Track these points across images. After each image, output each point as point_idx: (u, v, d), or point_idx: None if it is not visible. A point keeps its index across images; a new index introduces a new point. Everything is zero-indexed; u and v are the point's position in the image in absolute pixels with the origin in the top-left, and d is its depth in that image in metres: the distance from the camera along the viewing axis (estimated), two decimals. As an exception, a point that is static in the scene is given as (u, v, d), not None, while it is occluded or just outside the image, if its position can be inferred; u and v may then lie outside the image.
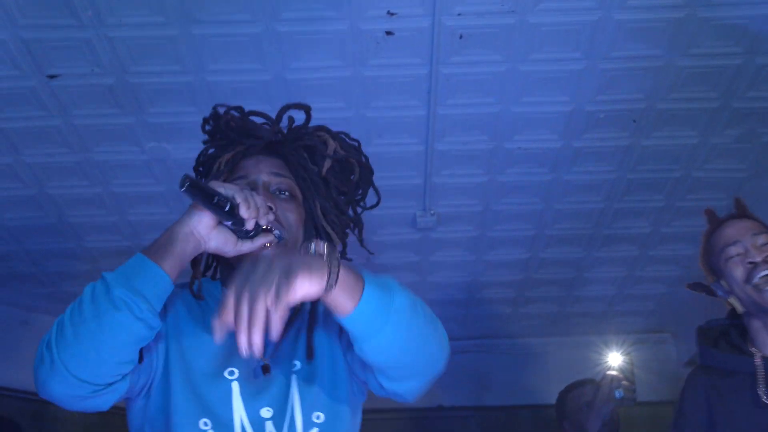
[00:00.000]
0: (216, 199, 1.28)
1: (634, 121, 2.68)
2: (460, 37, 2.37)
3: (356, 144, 1.63)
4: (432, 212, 3.22)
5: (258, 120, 1.59)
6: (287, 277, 1.11)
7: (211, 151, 1.60)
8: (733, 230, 1.96)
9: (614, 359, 3.27)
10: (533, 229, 3.38)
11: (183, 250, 1.31)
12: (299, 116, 1.62)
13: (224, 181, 1.46)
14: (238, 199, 1.31)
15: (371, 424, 4.69)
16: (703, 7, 2.25)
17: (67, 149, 2.76)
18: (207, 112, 1.59)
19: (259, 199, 1.36)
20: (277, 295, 1.10)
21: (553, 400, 4.71)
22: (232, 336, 1.38)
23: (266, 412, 1.40)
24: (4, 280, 3.71)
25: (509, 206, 3.20)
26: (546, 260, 3.66)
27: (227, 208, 1.30)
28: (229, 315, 1.11)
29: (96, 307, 1.22)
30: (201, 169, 1.63)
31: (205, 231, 1.32)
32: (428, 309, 1.32)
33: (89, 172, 2.89)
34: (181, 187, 1.25)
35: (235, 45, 2.40)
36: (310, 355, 1.44)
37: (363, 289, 1.19)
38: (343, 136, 1.61)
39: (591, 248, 3.55)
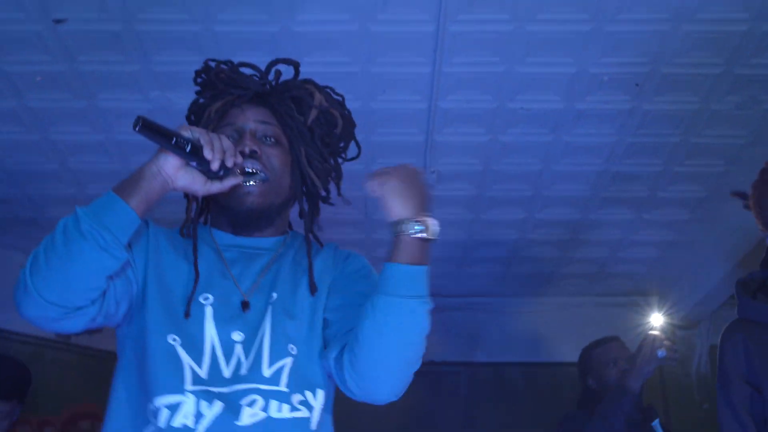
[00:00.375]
0: (175, 139, 1.35)
1: (637, 84, 2.69)
2: (469, -6, 2.37)
3: (341, 98, 1.71)
4: (432, 170, 3.24)
5: (248, 72, 1.65)
6: (392, 193, 1.42)
7: (201, 101, 1.67)
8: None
9: (656, 320, 3.31)
10: (531, 189, 3.41)
11: (150, 188, 1.39)
12: (288, 73, 1.72)
13: (213, 129, 1.53)
14: (202, 141, 1.39)
15: None
16: (713, -28, 2.25)
17: (71, 95, 2.75)
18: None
19: (225, 142, 1.44)
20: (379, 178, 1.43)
21: (542, 358, 4.85)
22: (210, 265, 1.52)
23: (237, 336, 1.45)
24: (6, 224, 3.72)
25: (509, 166, 3.22)
26: (542, 221, 3.70)
27: (188, 149, 1.37)
28: None
29: (66, 237, 1.33)
30: (192, 118, 1.69)
31: (172, 171, 1.40)
32: (423, 346, 1.45)
33: (93, 119, 2.88)
34: (134, 127, 1.31)
35: (244, -5, 2.40)
36: (313, 290, 1.52)
37: (421, 268, 1.39)
38: (328, 90, 1.69)
39: (587, 210, 3.59)
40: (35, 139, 3.02)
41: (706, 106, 2.81)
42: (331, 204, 1.69)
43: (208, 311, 1.48)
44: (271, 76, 1.69)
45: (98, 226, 1.33)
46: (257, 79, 1.65)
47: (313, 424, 1.43)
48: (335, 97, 1.71)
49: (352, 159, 1.75)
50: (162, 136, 1.35)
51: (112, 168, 3.18)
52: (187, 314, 1.46)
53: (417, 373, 4.39)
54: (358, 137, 2.84)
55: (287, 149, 1.61)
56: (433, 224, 1.42)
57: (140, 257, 1.51)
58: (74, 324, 1.42)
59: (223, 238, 1.60)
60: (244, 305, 1.49)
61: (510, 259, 4.22)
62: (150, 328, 1.46)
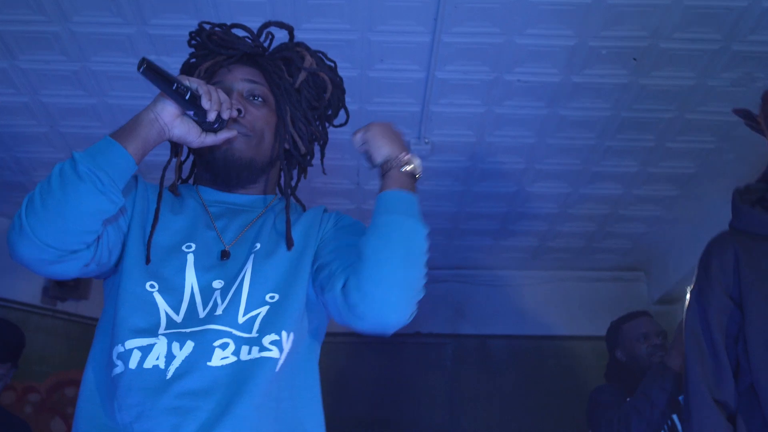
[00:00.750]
0: (175, 85, 1.38)
1: (635, 59, 2.72)
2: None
3: (333, 64, 1.73)
4: (426, 141, 3.26)
5: (242, 34, 1.68)
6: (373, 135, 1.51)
7: (192, 61, 1.69)
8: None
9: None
10: (523, 162, 3.45)
11: (147, 135, 1.42)
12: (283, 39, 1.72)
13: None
14: (200, 91, 1.42)
15: (350, 347, 4.80)
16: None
17: (65, 57, 2.73)
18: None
19: (222, 95, 1.47)
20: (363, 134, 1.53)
21: (527, 331, 4.97)
22: (195, 216, 1.57)
23: (217, 284, 1.49)
24: (-8, 187, 3.69)
25: (503, 139, 3.25)
26: (532, 194, 3.75)
27: (188, 97, 1.40)
28: None
29: (63, 179, 1.35)
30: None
31: (169, 118, 1.44)
32: (423, 268, 1.46)
33: (85, 82, 2.87)
34: (139, 68, 1.34)
35: (244, -42, 2.38)
36: (290, 245, 1.54)
37: (413, 195, 1.46)
38: (320, 54, 1.71)
39: (578, 185, 3.64)
40: (26, 101, 2.99)
41: (702, 83, 2.84)
42: (311, 165, 1.72)
43: (190, 258, 1.51)
44: (265, 42, 1.72)
45: (96, 168, 1.35)
46: (249, 41, 1.68)
47: (279, 365, 1.44)
48: (327, 62, 1.73)
49: (341, 125, 1.78)
50: (164, 80, 1.38)
51: (103, 132, 3.14)
52: (147, 260, 1.49)
53: (403, 344, 4.48)
54: (354, 106, 2.86)
55: (273, 109, 1.64)
56: (417, 161, 1.50)
57: (128, 207, 1.54)
58: (68, 268, 1.44)
59: (209, 194, 1.63)
60: (224, 254, 1.53)
61: (499, 232, 4.28)
62: (126, 275, 1.49)
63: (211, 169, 1.62)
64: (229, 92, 1.58)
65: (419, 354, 4.91)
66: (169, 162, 1.62)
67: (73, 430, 1.49)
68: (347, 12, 2.57)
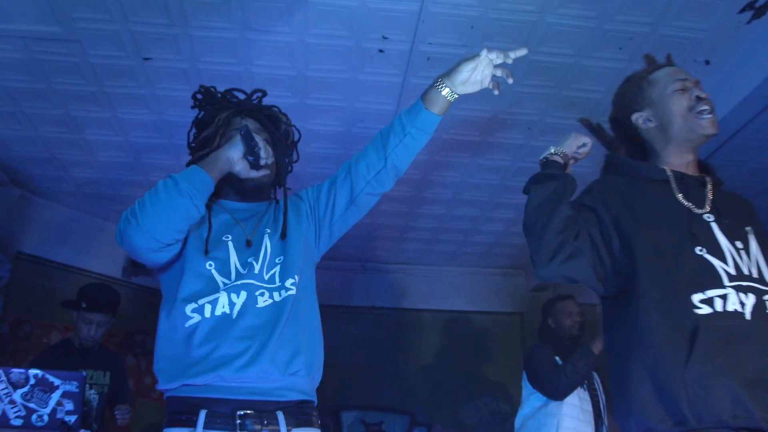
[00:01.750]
0: (254, 144, 1.88)
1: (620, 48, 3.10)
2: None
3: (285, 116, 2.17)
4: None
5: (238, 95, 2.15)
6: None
7: (209, 107, 2.10)
8: (680, 71, 2.02)
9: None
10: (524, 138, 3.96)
11: (222, 167, 1.86)
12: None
13: (222, 132, 2.02)
14: (261, 145, 1.90)
15: (327, 317, 5.75)
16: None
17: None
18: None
19: (269, 148, 1.94)
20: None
21: (443, 306, 6.03)
22: (226, 221, 1.97)
23: (250, 259, 1.91)
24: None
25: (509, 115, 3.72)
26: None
27: (256, 149, 1.90)
28: None
29: (168, 192, 1.73)
30: (194, 130, 2.13)
31: (236, 159, 1.88)
32: None
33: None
34: (240, 132, 1.88)
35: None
36: (283, 235, 1.97)
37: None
38: (285, 113, 2.17)
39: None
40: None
41: (579, 61, 3.25)
42: (289, 173, 2.18)
43: (230, 245, 1.90)
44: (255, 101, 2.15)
45: (191, 187, 1.73)
46: (245, 98, 2.11)
47: (296, 297, 1.89)
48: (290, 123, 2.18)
49: (298, 141, 2.21)
50: (252, 142, 1.88)
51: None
52: (206, 251, 1.87)
53: (363, 314, 6.07)
54: (347, 74, 3.36)
55: (272, 148, 2.02)
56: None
57: None
58: (163, 256, 1.82)
59: (232, 205, 2.04)
60: (248, 242, 1.93)
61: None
62: (190, 260, 1.86)
63: (239, 187, 2.03)
64: (252, 140, 1.95)
65: (373, 321, 6.14)
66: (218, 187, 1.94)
67: (155, 366, 1.86)
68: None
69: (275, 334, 1.78)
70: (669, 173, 1.90)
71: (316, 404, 1.92)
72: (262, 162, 1.91)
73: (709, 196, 1.87)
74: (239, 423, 1.70)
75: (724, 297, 1.68)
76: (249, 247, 1.91)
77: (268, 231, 1.97)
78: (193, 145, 2.06)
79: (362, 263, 6.26)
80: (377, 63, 3.36)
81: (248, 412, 1.71)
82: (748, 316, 1.66)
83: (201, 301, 1.79)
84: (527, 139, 3.90)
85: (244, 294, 1.81)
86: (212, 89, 2.09)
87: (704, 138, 1.92)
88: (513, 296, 6.27)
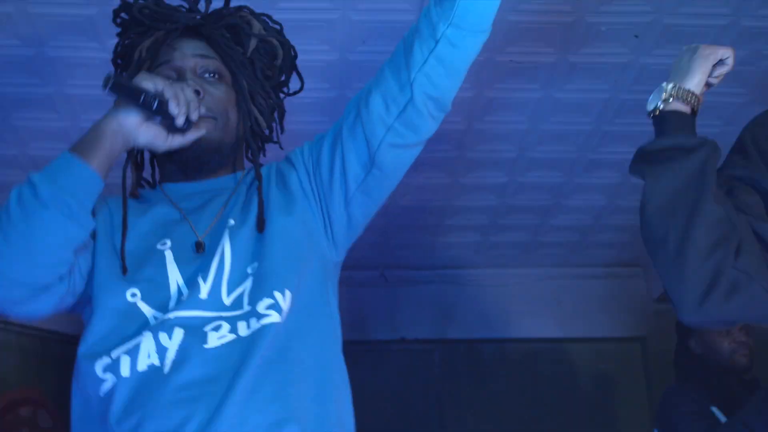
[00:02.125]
0: (143, 98, 1.40)
1: (636, 36, 2.76)
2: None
3: (279, 27, 1.76)
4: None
5: (175, 4, 1.69)
6: None
7: (127, 41, 1.69)
8: None
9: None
10: (515, 150, 3.50)
11: (111, 147, 1.44)
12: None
13: (147, 69, 1.59)
14: (167, 95, 1.43)
15: None
16: None
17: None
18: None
19: (189, 93, 1.49)
20: None
21: (518, 334, 5.09)
22: (164, 216, 1.58)
23: (199, 274, 1.52)
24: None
25: (493, 125, 3.29)
26: (524, 185, 3.83)
27: (155, 106, 1.42)
28: None
29: (23, 208, 1.34)
30: (120, 61, 1.72)
31: (133, 127, 1.45)
32: None
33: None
34: (104, 86, 1.38)
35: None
36: (260, 227, 1.56)
37: None
38: (265, 17, 1.74)
39: (572, 173, 3.72)
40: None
41: None
42: (276, 142, 1.76)
43: (168, 255, 1.54)
44: (201, 6, 1.71)
45: (59, 191, 1.35)
46: (185, 10, 1.68)
47: (283, 327, 1.46)
48: (273, 25, 1.75)
49: (296, 93, 1.81)
50: (131, 94, 1.41)
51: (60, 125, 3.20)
52: (124, 270, 1.50)
53: (388, 352, 4.50)
54: (338, 56, 2.89)
55: (230, 84, 1.66)
56: None
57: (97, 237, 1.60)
58: (41, 306, 1.45)
59: (178, 189, 1.66)
60: (198, 246, 1.56)
61: (487, 227, 4.38)
62: (102, 292, 1.50)
63: (176, 160, 1.63)
64: (180, 73, 1.60)
65: (405, 361, 5.03)
66: (126, 164, 1.61)
67: None
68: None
69: (238, 389, 1.38)
70: None
71: None
72: (180, 121, 1.46)
73: None
74: None
75: None
76: (200, 253, 1.55)
77: (232, 223, 1.58)
78: None
79: (382, 271, 5.15)
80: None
81: None
82: None
83: (115, 353, 1.45)
84: (635, 55, 3.08)
85: (179, 332, 1.44)
86: (138, 2, 1.68)
87: None
88: (628, 311, 5.14)
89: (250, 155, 1.74)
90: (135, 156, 1.69)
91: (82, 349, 1.49)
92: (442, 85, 1.58)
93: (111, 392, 1.42)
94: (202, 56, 1.64)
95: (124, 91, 1.42)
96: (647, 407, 4.44)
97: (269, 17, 1.76)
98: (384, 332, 5.21)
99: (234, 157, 1.72)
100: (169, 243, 1.57)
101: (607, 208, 4.17)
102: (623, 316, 5.14)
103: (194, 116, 1.50)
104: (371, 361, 5.03)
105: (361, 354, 4.94)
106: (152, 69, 1.61)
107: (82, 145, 1.44)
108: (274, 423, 1.41)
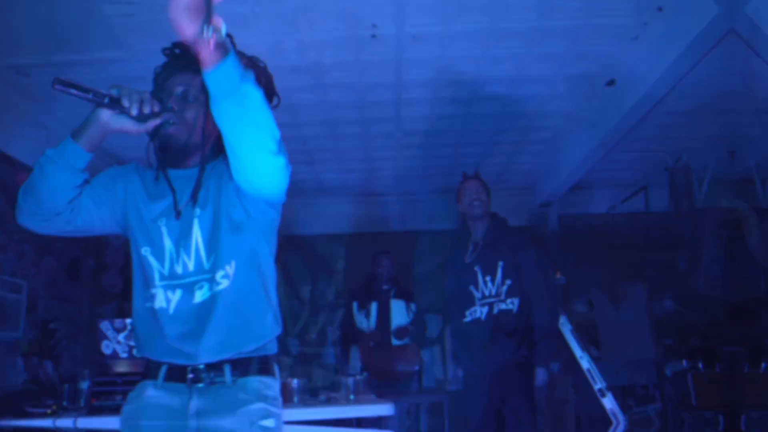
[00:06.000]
0: (91, 94, 1.75)
1: None
2: None
3: (263, 65, 2.07)
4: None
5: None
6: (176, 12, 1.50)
7: (158, 71, 2.05)
8: (469, 182, 4.09)
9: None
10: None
11: (92, 131, 1.86)
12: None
13: (157, 86, 1.99)
14: (120, 94, 1.79)
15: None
16: None
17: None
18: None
19: (145, 95, 1.83)
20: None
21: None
22: (164, 195, 2.00)
23: (181, 241, 1.98)
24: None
25: None
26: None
27: (107, 101, 1.77)
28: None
29: (41, 167, 1.86)
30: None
31: (106, 117, 1.83)
32: (275, 128, 1.74)
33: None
34: (52, 86, 1.69)
35: None
36: (195, 201, 1.98)
37: (226, 57, 1.61)
38: (255, 58, 2.07)
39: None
40: None
41: None
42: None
43: (163, 230, 1.98)
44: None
45: (60, 156, 1.84)
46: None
47: (231, 285, 1.93)
48: (259, 63, 2.06)
49: (275, 107, 1.97)
50: (80, 91, 1.72)
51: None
52: (142, 226, 1.99)
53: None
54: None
55: (203, 104, 1.93)
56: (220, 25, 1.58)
57: (119, 191, 2.02)
58: (61, 225, 1.94)
59: (171, 172, 2.04)
60: (177, 214, 1.99)
61: None
62: (135, 243, 2.00)
63: (165, 154, 2.00)
64: (170, 94, 1.95)
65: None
66: (148, 147, 1.98)
67: (135, 338, 2.06)
68: None
69: (211, 322, 1.94)
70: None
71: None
72: (134, 111, 1.81)
73: None
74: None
75: None
76: (178, 218, 1.99)
77: (198, 212, 2.01)
78: None
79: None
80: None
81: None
82: None
83: (149, 291, 2.02)
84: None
85: (179, 292, 1.96)
86: (172, 46, 2.04)
87: None
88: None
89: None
90: (154, 141, 1.97)
91: (134, 271, 2.02)
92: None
93: (151, 309, 1.95)
94: (187, 86, 1.96)
95: (70, 89, 1.70)
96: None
97: (258, 58, 2.06)
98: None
99: (201, 154, 1.99)
100: (164, 221, 1.98)
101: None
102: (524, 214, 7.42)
103: (147, 109, 1.81)
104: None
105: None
106: (160, 87, 1.98)
107: (77, 130, 1.86)
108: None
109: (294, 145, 6.04)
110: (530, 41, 4.35)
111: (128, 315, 2.61)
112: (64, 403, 3.99)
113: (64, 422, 3.51)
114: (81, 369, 4.22)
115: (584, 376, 4.91)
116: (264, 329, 1.99)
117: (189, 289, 1.91)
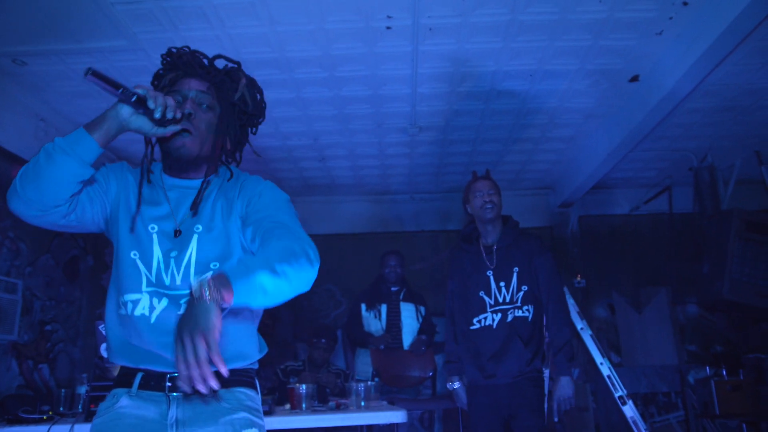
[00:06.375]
0: (121, 89, 1.73)
1: None
2: None
3: (259, 89, 2.11)
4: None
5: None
6: (204, 332, 1.52)
7: (161, 72, 2.05)
8: (480, 183, 3.89)
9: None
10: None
11: (109, 126, 1.81)
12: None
13: (166, 90, 1.97)
14: (147, 95, 1.78)
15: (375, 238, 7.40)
16: None
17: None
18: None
19: (169, 100, 1.82)
20: (209, 346, 1.51)
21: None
22: (159, 201, 1.97)
23: (173, 254, 1.92)
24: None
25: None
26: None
27: (134, 99, 1.75)
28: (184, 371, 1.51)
29: (48, 155, 1.78)
30: (156, 82, 2.06)
31: (126, 115, 1.80)
32: (298, 260, 1.72)
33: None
34: (85, 75, 1.67)
35: None
36: (194, 213, 1.94)
37: (233, 289, 1.60)
38: (253, 78, 2.10)
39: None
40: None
41: None
42: (237, 162, 2.09)
43: (155, 237, 1.91)
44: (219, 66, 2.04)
45: (70, 147, 1.77)
46: (206, 63, 2.01)
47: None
48: (257, 86, 2.10)
49: (260, 123, 2.13)
50: (110, 86, 1.70)
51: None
52: (132, 229, 1.91)
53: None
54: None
55: (217, 115, 1.96)
56: (203, 292, 1.59)
57: (112, 189, 1.96)
58: (51, 218, 1.85)
59: (168, 180, 2.00)
60: (177, 233, 1.92)
61: None
62: (120, 245, 1.92)
63: (167, 159, 1.97)
64: (185, 98, 1.92)
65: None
66: (146, 152, 1.95)
67: (107, 344, 1.95)
68: None
69: None
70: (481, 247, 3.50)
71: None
72: (158, 114, 1.81)
73: None
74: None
75: None
76: (176, 237, 1.94)
77: (199, 228, 1.97)
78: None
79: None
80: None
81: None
82: None
83: (126, 297, 1.93)
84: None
85: (165, 301, 1.90)
86: (175, 50, 2.06)
87: None
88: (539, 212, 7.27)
89: (223, 159, 2.04)
90: (152, 147, 1.96)
91: (112, 275, 1.95)
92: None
93: (123, 317, 1.89)
94: (202, 92, 1.96)
95: (103, 82, 1.68)
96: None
97: (254, 81, 2.10)
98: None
99: (208, 165, 2.00)
100: (156, 228, 1.92)
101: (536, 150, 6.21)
102: (539, 215, 7.20)
103: (170, 114, 1.80)
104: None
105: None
106: (168, 94, 1.94)
107: (93, 123, 1.80)
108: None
109: (305, 141, 5.95)
110: (551, 35, 4.22)
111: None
112: (61, 409, 3.88)
113: (60, 429, 3.39)
114: (78, 373, 4.15)
115: (604, 383, 4.80)
116: (249, 351, 1.96)
117: (175, 302, 1.86)
